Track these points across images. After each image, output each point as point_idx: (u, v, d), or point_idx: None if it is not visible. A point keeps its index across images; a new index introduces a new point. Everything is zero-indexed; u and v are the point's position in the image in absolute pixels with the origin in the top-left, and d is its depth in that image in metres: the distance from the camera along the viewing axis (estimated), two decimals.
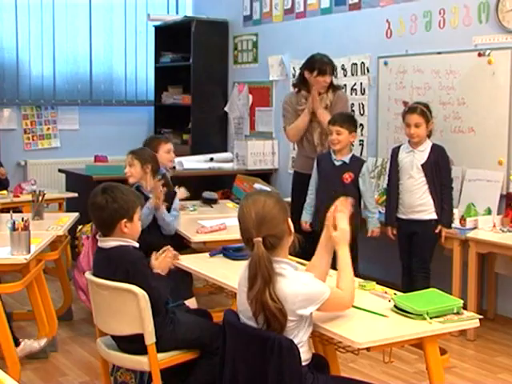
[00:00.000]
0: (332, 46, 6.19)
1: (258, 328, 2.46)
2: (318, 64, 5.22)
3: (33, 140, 7.61)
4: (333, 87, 5.32)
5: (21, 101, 7.52)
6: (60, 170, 6.85)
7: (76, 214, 5.00)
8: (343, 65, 6.16)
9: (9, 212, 4.80)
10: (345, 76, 6.17)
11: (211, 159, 7.12)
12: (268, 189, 5.60)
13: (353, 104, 6.06)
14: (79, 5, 7.77)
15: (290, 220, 2.57)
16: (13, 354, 3.65)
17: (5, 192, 5.70)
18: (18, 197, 5.63)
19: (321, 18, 6.46)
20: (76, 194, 5.93)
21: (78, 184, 6.38)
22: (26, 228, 3.74)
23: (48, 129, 7.70)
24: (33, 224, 3.92)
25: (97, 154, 7.21)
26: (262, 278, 2.43)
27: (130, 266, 3.01)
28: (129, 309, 3.00)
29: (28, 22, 7.49)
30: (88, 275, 3.13)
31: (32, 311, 4.18)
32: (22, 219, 3.79)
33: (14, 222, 3.73)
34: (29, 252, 3.72)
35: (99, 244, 3.13)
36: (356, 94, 6.08)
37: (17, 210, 5.36)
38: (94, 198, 3.12)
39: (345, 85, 6.13)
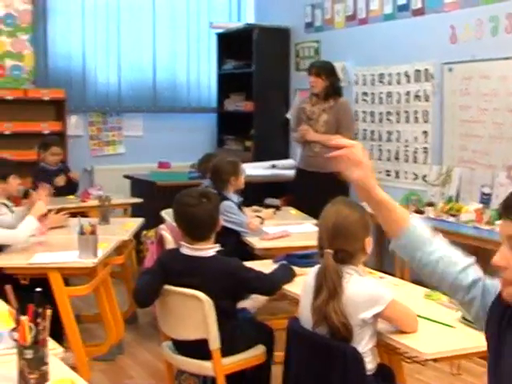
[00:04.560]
0: (395, 53, 6.16)
1: (323, 336, 2.46)
2: (309, 65, 5.94)
3: (99, 146, 7.79)
4: (333, 92, 5.73)
5: (87, 108, 7.69)
6: (125, 176, 6.98)
7: (141, 220, 5.09)
8: (406, 71, 6.12)
9: (76, 216, 4.94)
10: (408, 83, 6.12)
11: (273, 166, 7.15)
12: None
13: (416, 111, 6.02)
14: (144, 13, 7.91)
15: (369, 239, 2.53)
16: (83, 356, 3.73)
17: (73, 197, 5.83)
18: (85, 202, 5.74)
19: (384, 24, 6.43)
20: (141, 200, 6.02)
21: (143, 190, 6.49)
22: (93, 232, 3.82)
23: (113, 135, 7.86)
24: (99, 228, 3.99)
25: (160, 160, 7.32)
26: (327, 290, 2.43)
27: (235, 272, 3.08)
28: (194, 314, 3.05)
29: (94, 31, 7.66)
30: None
31: (99, 314, 4.27)
32: (90, 224, 3.88)
33: (82, 227, 3.82)
34: (96, 256, 3.80)
35: (189, 252, 3.17)
36: (420, 101, 6.02)
37: (83, 215, 5.47)
38: (192, 203, 3.17)
39: (408, 92, 6.09)
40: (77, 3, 7.55)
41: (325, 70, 5.79)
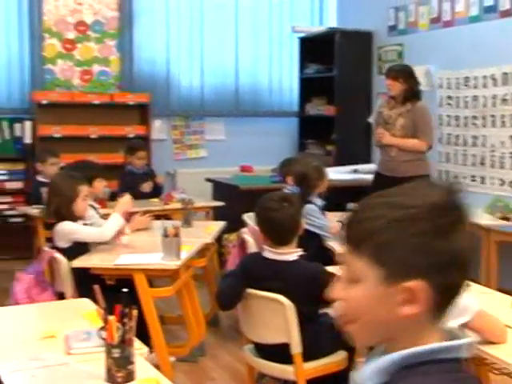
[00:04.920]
0: (481, 55, 6.03)
1: None
2: (387, 69, 5.85)
3: (181, 150, 7.91)
4: (412, 96, 5.60)
5: (171, 112, 7.82)
6: (207, 180, 7.06)
7: (223, 223, 5.13)
8: (493, 74, 5.97)
9: (160, 219, 5.02)
10: (494, 86, 5.98)
11: (355, 170, 7.10)
12: None
13: (503, 115, 5.87)
14: (226, 18, 8.00)
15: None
16: (166, 356, 3.79)
17: (156, 199, 5.94)
18: (168, 204, 5.83)
19: (469, 26, 6.29)
20: (222, 203, 6.08)
21: (225, 193, 6.54)
22: (176, 235, 3.88)
23: (196, 139, 7.96)
24: (182, 231, 4.04)
25: (242, 164, 7.37)
26: None
27: (317, 277, 3.09)
28: (275, 318, 3.06)
29: (178, 37, 7.79)
30: None
31: (182, 316, 4.33)
32: (173, 226, 3.94)
33: (166, 229, 3.88)
34: (179, 258, 3.85)
35: (272, 256, 3.18)
36: (507, 105, 5.86)
37: (167, 218, 5.56)
38: (273, 207, 3.19)
39: (495, 95, 5.95)
40: (161, 10, 7.70)
41: (402, 73, 5.69)
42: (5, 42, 7.14)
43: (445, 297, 1.20)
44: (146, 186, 6.13)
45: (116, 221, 4.14)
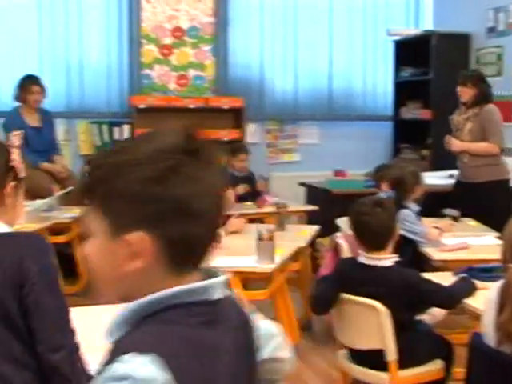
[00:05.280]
0: None
1: (508, 355, 2.36)
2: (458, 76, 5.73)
3: (275, 154, 7.94)
4: (482, 100, 5.50)
5: (265, 116, 7.87)
6: (300, 184, 7.06)
7: (316, 227, 5.12)
8: None
9: (254, 222, 5.06)
10: None
11: (451, 176, 6.94)
12: None
13: None
14: (320, 22, 7.98)
15: None
16: None
17: (250, 203, 5.98)
18: (262, 208, 5.86)
19: None
20: (316, 207, 6.06)
21: (318, 197, 6.53)
22: (271, 238, 3.90)
23: (289, 143, 7.99)
24: (276, 235, 4.05)
25: (336, 168, 7.34)
26: (510, 307, 2.32)
27: (414, 285, 3.05)
28: (370, 324, 3.03)
29: (272, 41, 7.83)
30: None
31: (275, 319, 4.33)
32: (268, 230, 3.96)
33: (261, 233, 3.90)
34: (273, 262, 3.87)
35: (366, 261, 3.17)
36: None
37: (260, 221, 5.59)
38: (365, 212, 3.18)
39: None
40: (256, 15, 7.76)
41: (471, 79, 5.61)
42: (105, 49, 7.37)
43: (179, 248, 1.10)
44: (240, 189, 6.19)
45: None
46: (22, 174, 1.95)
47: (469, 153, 5.50)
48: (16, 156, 1.94)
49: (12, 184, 1.92)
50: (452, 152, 5.73)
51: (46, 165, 6.22)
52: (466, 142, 5.54)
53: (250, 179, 6.40)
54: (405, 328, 3.06)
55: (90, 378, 1.78)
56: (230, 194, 5.03)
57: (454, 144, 5.59)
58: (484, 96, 5.59)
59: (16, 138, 1.98)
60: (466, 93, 5.58)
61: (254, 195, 6.21)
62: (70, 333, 1.85)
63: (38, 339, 1.80)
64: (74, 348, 1.84)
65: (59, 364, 1.79)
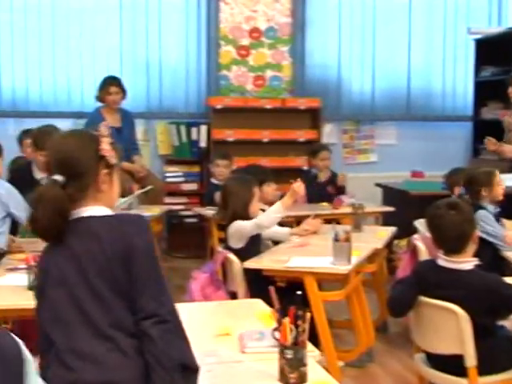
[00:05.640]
0: None
1: None
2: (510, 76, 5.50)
3: (351, 154, 7.90)
4: None
5: (341, 116, 7.84)
6: (377, 184, 7.00)
7: (393, 229, 5.06)
8: None
9: (330, 223, 5.04)
10: None
11: None
12: None
13: None
14: (399, 21, 7.91)
15: None
16: (335, 360, 3.80)
17: (326, 204, 5.96)
18: (337, 209, 5.84)
19: None
20: (393, 209, 6.00)
21: (395, 199, 6.45)
22: (347, 239, 3.87)
23: (366, 143, 7.93)
24: (352, 236, 4.02)
25: (414, 169, 7.24)
26: None
27: (495, 290, 3.00)
28: (449, 328, 2.98)
29: (350, 41, 7.80)
30: None
31: (350, 320, 4.31)
32: (344, 231, 3.93)
33: (337, 233, 3.88)
34: (350, 263, 3.85)
35: (445, 264, 3.12)
36: None
37: (337, 222, 5.56)
38: (439, 214, 3.14)
39: None
40: (334, 15, 7.74)
41: None
42: (184, 50, 7.48)
43: None
44: (331, 190, 6.20)
45: (275, 209, 4.13)
46: (113, 160, 2.08)
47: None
48: (106, 145, 2.06)
49: (105, 171, 2.05)
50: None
51: (126, 164, 6.34)
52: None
53: (332, 178, 6.37)
54: (485, 333, 2.99)
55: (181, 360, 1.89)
56: (269, 189, 5.02)
57: (491, 147, 5.44)
58: None
59: (105, 128, 2.07)
60: None
61: (339, 190, 6.22)
62: (166, 306, 1.94)
63: (137, 308, 1.93)
64: (170, 324, 1.92)
65: (149, 329, 1.89)
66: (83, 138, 2.08)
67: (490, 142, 5.80)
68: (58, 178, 1.98)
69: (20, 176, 4.51)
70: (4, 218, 3.78)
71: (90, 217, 2.01)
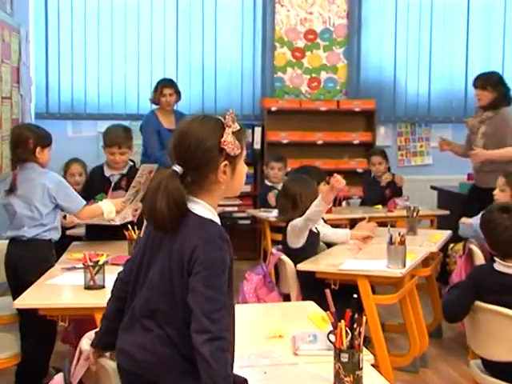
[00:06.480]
0: None
1: None
2: (474, 78, 5.51)
3: (406, 156, 7.84)
4: (501, 103, 5.30)
5: (396, 118, 7.79)
6: (432, 187, 6.92)
7: (448, 232, 5.01)
8: None
9: (384, 226, 5.00)
10: None
11: None
12: None
13: None
14: (457, 21, 7.82)
15: None
16: (387, 365, 3.77)
17: (379, 206, 5.93)
18: (392, 212, 5.80)
19: None
20: (448, 212, 5.92)
21: (450, 202, 6.38)
22: (402, 243, 3.85)
23: (421, 146, 7.86)
24: (407, 239, 4.00)
25: (469, 172, 7.12)
26: None
27: None
28: (507, 334, 2.93)
29: (406, 43, 7.74)
30: None
31: (403, 324, 4.28)
32: (399, 234, 3.91)
33: (392, 237, 3.86)
34: (404, 266, 3.82)
35: (502, 269, 3.08)
36: None
37: (392, 225, 5.52)
38: (491, 218, 3.13)
39: None
40: (390, 16, 7.70)
41: (490, 82, 5.36)
42: (239, 52, 7.52)
43: None
44: (389, 193, 6.16)
45: (316, 203, 4.00)
46: (235, 152, 2.01)
47: (496, 160, 5.20)
48: (228, 136, 2.01)
49: (224, 163, 2.00)
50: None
51: None
52: (480, 147, 5.33)
53: (391, 183, 6.31)
54: None
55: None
56: (324, 189, 5.00)
57: (478, 156, 5.32)
58: (503, 99, 5.35)
59: (229, 116, 2.03)
60: (486, 96, 5.37)
61: (395, 191, 6.19)
62: (220, 324, 1.89)
63: (191, 319, 1.90)
64: (223, 341, 1.88)
65: (199, 346, 1.86)
66: (208, 127, 2.01)
67: (444, 142, 5.74)
68: (177, 168, 1.96)
69: (94, 174, 4.67)
70: (54, 210, 3.84)
71: (195, 215, 1.98)
